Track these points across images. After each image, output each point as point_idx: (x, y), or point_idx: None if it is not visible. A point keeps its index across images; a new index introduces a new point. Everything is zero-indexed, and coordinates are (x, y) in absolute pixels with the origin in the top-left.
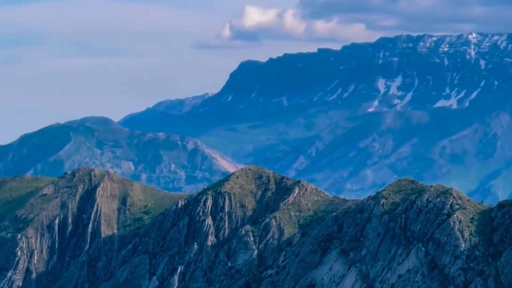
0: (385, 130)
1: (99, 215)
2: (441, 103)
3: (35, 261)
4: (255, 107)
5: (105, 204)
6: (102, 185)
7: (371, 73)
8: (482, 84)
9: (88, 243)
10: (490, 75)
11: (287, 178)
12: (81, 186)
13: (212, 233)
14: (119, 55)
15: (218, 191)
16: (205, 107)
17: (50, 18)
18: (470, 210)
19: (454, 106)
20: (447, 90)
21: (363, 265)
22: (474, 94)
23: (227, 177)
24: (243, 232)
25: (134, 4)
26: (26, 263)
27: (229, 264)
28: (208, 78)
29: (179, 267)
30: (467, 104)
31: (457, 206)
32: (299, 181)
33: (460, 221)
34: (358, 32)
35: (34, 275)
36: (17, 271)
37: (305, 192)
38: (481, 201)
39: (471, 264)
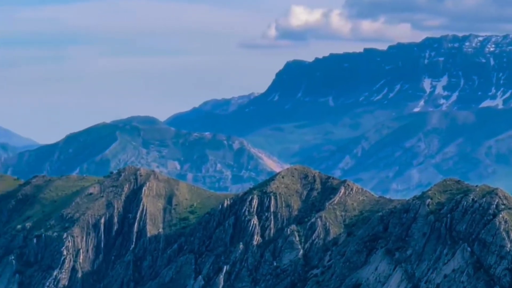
0: (431, 130)
1: (145, 214)
2: (486, 103)
3: (80, 260)
4: (301, 106)
5: (151, 204)
6: (148, 184)
7: (417, 73)
8: None
9: (133, 243)
10: None
11: (333, 178)
12: (127, 185)
13: (257, 232)
14: (165, 55)
15: (264, 190)
16: (251, 107)
17: (98, 17)
18: None
19: (500, 106)
20: (493, 90)
21: (408, 265)
22: None
23: (273, 176)
24: (288, 232)
25: (181, 4)
26: (72, 262)
27: (275, 264)
28: (254, 77)
29: (225, 267)
30: None
31: (503, 206)
32: (345, 181)
33: (506, 221)
34: (404, 32)
35: (79, 274)
36: (63, 270)
37: (351, 192)
38: None
39: None
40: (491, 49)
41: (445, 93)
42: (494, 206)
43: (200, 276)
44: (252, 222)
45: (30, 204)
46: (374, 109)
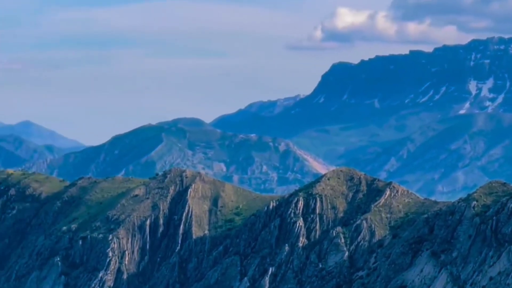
0: (477, 132)
1: (191, 216)
2: None
3: (126, 262)
4: (347, 108)
5: (197, 205)
6: (193, 186)
7: (463, 75)
8: None
9: (179, 244)
10: None
11: (378, 180)
12: (173, 187)
13: (303, 234)
14: (212, 56)
15: (310, 192)
16: (297, 109)
17: (144, 19)
18: None
19: None
20: None
21: (454, 267)
22: None
23: (318, 178)
24: (334, 234)
25: (228, 6)
26: (117, 264)
27: (320, 266)
28: (300, 79)
29: (270, 269)
30: None
31: None
32: (390, 183)
33: None
34: (450, 34)
35: (125, 276)
36: (108, 272)
37: (396, 194)
38: None
39: None
40: None
41: (491, 95)
42: None
43: (245, 278)
44: (297, 224)
45: (76, 205)
46: (420, 111)
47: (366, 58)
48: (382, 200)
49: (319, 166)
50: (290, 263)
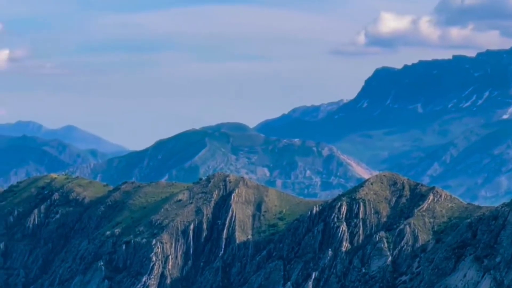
0: None
1: (234, 221)
2: None
3: (169, 267)
4: (390, 113)
5: (240, 210)
6: (237, 191)
7: (506, 80)
8: None
9: (222, 249)
10: None
11: (421, 185)
12: (216, 192)
13: (346, 239)
14: (255, 61)
15: (353, 197)
16: (340, 114)
17: (187, 23)
18: None
19: None
20: None
21: (497, 272)
22: None
23: (362, 183)
24: (377, 239)
25: (272, 10)
26: (160, 268)
27: (363, 271)
28: (344, 84)
29: (314, 273)
30: None
31: None
32: (433, 188)
33: None
34: (493, 39)
35: (168, 281)
36: (152, 276)
37: (440, 199)
38: None
39: None
40: None
41: None
42: None
43: (289, 283)
44: (341, 229)
45: (119, 210)
46: (463, 116)
47: (409, 63)
48: (425, 205)
49: (362, 171)
50: (333, 268)
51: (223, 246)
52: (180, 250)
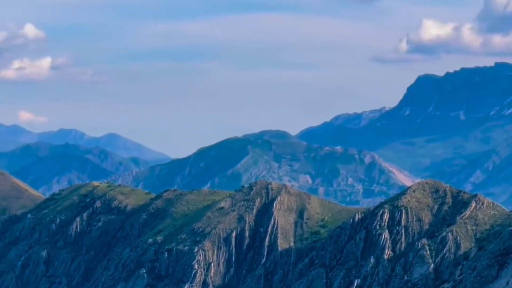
0: None
1: (276, 228)
2: None
3: (211, 274)
4: (432, 121)
5: (282, 217)
6: (279, 198)
7: None
8: None
9: (264, 257)
10: None
11: (463, 192)
12: (258, 199)
13: (388, 246)
14: (297, 68)
15: (395, 204)
16: (382, 121)
17: (230, 31)
18: None
19: None
20: None
21: None
22: None
23: (404, 190)
24: (419, 246)
25: (314, 17)
26: (203, 276)
27: (405, 278)
28: (386, 91)
29: (356, 281)
30: None
31: None
32: (475, 195)
33: None
34: None
35: None
36: (194, 284)
37: (482, 206)
38: None
39: None
40: None
41: None
42: None
43: None
44: (383, 236)
45: (161, 218)
46: (505, 123)
47: (451, 70)
48: (467, 212)
49: (404, 179)
50: (376, 275)
51: (265, 254)
52: (222, 258)
